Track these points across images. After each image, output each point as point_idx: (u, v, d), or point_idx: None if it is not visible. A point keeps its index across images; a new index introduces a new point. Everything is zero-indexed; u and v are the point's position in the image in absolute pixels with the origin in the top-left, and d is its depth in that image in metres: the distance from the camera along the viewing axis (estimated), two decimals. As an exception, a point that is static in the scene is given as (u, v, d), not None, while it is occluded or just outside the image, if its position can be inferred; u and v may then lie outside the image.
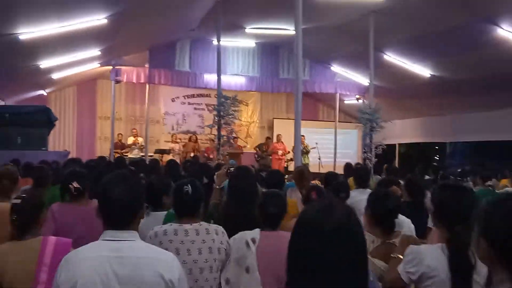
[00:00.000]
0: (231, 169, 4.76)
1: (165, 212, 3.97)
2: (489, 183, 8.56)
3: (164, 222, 3.49)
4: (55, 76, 14.01)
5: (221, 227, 3.31)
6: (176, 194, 3.31)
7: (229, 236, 3.31)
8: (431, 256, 2.83)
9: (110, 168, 6.66)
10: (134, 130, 17.20)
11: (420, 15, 11.40)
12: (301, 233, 1.55)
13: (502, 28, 10.90)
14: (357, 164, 11.44)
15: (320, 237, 1.49)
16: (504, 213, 1.66)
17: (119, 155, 14.36)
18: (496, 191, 8.25)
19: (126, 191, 2.33)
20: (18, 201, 3.37)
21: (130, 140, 16.75)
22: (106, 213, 2.33)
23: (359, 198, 5.04)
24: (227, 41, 15.82)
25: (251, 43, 16.83)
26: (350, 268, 1.50)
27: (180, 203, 3.27)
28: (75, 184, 4.32)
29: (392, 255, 3.31)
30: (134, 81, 16.64)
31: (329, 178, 6.94)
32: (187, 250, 3.11)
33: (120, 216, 2.31)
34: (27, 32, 8.38)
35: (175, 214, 3.34)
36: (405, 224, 4.10)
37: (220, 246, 3.16)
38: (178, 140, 17.46)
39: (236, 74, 17.25)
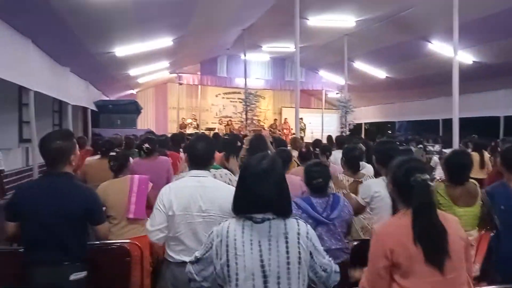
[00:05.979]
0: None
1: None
2: (420, 146, 8.81)
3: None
4: (140, 80, 13.97)
5: (229, 172, 3.12)
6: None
7: None
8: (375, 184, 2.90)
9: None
10: (194, 115, 17.33)
11: (377, 37, 11.06)
12: (247, 171, 1.72)
13: (431, 43, 10.57)
14: (338, 136, 11.31)
15: (256, 173, 1.67)
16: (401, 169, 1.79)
17: (180, 131, 14.40)
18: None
19: (204, 145, 2.34)
20: (114, 153, 3.42)
21: (189, 120, 16.80)
22: (192, 159, 2.35)
23: (338, 155, 4.94)
24: (251, 56, 15.67)
25: (266, 57, 16.67)
26: (277, 189, 1.66)
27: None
28: (146, 145, 4.35)
29: (343, 191, 3.26)
30: (191, 83, 17.01)
31: (316, 142, 6.93)
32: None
33: (201, 160, 2.32)
34: (120, 50, 8.34)
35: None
36: (366, 167, 4.00)
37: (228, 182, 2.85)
38: (222, 121, 17.60)
39: (257, 78, 17.18)
